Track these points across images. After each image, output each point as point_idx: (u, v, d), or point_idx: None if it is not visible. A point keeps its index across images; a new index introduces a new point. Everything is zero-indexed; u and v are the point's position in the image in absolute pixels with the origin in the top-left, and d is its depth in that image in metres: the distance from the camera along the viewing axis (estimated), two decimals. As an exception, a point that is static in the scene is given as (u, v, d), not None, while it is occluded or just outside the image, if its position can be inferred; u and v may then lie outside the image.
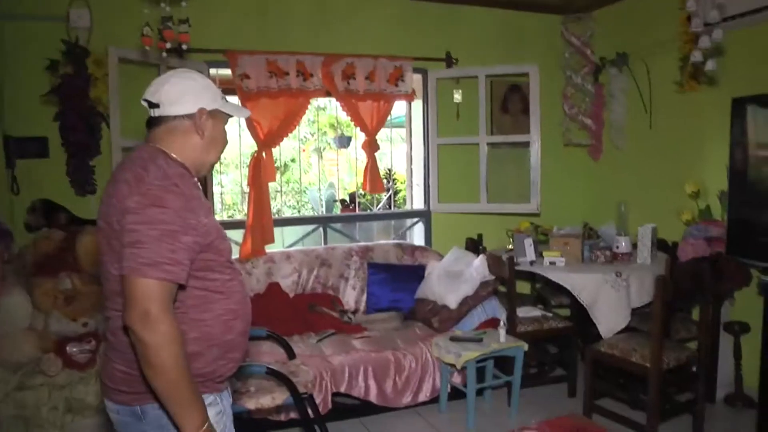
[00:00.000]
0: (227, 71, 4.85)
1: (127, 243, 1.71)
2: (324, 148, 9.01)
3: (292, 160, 9.23)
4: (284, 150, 8.77)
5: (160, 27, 3.60)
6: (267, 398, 3.39)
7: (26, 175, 4.46)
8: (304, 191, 8.49)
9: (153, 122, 1.96)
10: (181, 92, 1.92)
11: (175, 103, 1.92)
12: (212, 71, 4.88)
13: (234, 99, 4.64)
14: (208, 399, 1.90)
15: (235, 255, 4.97)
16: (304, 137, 9.17)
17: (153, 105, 1.93)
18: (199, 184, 1.98)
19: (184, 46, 3.68)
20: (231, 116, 2.09)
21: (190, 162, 1.96)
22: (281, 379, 3.40)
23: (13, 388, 3.68)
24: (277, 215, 5.54)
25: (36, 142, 4.49)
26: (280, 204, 6.59)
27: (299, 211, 8.12)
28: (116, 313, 1.85)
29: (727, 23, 4.12)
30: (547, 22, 5.84)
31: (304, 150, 9.05)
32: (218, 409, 1.94)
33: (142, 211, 1.72)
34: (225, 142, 2.09)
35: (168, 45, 3.64)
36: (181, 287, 1.80)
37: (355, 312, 4.83)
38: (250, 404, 3.35)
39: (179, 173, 1.85)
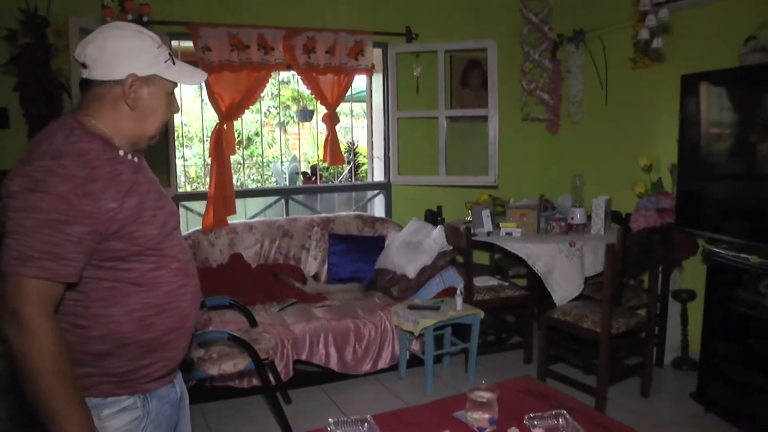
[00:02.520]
0: (189, 44, 4.85)
1: (4, 233, 1.49)
2: (287, 122, 9.02)
3: (256, 134, 9.23)
4: (248, 124, 8.77)
5: (122, -1, 3.61)
6: (229, 364, 3.48)
7: (-14, 146, 4.43)
8: (268, 165, 8.51)
9: (82, 84, 1.69)
10: (108, 54, 1.62)
11: (100, 67, 1.62)
12: (174, 43, 4.86)
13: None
14: (124, 402, 1.68)
15: (197, 227, 5.01)
16: (268, 110, 9.17)
17: (82, 65, 1.65)
18: (132, 157, 1.72)
19: (145, 18, 3.69)
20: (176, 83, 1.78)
21: (121, 134, 1.68)
22: (242, 345, 3.48)
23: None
24: (239, 187, 5.56)
25: (-4, 114, 4.45)
26: (244, 177, 6.61)
27: (264, 185, 8.15)
28: None
29: (676, 3, 4.26)
30: (506, -2, 5.91)
31: (267, 124, 9.05)
32: (135, 414, 1.70)
33: (20, 197, 1.48)
34: (168, 112, 1.77)
35: (129, 17, 3.65)
36: (72, 284, 1.56)
37: (315, 275, 4.95)
38: (213, 370, 3.43)
39: (77, 151, 1.55)
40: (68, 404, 1.51)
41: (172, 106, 1.79)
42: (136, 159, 1.74)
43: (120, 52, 1.63)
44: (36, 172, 1.49)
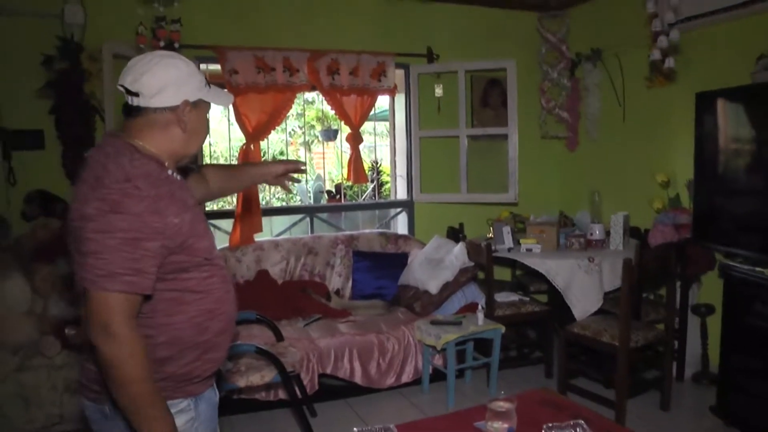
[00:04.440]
0: (217, 66, 5.01)
1: (85, 252, 1.61)
2: (312, 142, 9.14)
3: (281, 153, 9.37)
4: (273, 144, 8.90)
5: (154, 26, 3.76)
6: (256, 376, 3.59)
7: (23, 167, 4.59)
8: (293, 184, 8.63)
9: (131, 111, 1.79)
10: (164, 83, 1.75)
11: (156, 95, 1.75)
12: (202, 66, 5.01)
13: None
14: (180, 405, 1.82)
15: (224, 244, 5.15)
16: (293, 130, 9.31)
17: (131, 93, 1.76)
18: (177, 175, 1.86)
19: (176, 45, 3.85)
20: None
21: (168, 154, 1.82)
22: (269, 357, 3.60)
23: (14, 369, 3.82)
24: (265, 205, 5.69)
25: (32, 135, 4.61)
26: (269, 196, 6.74)
27: (288, 203, 8.26)
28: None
29: (687, 23, 4.35)
30: (524, 19, 6.03)
31: (292, 143, 9.19)
32: (190, 416, 1.84)
33: (100, 219, 1.60)
34: (207, 132, 1.96)
35: (162, 43, 3.81)
36: (146, 297, 1.70)
37: (337, 291, 5.08)
38: (241, 382, 3.54)
39: (144, 173, 1.68)
40: (159, 405, 1.67)
41: (207, 127, 1.97)
42: (179, 177, 1.87)
43: (174, 81, 1.77)
44: (112, 194, 1.61)
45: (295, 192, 2.10)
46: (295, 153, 9.46)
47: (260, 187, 5.36)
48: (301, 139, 9.44)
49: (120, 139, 1.77)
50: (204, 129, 1.92)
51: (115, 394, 1.64)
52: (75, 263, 1.72)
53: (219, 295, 1.88)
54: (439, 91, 5.80)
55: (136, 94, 1.75)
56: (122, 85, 1.76)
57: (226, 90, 2.04)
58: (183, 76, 1.79)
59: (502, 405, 2.45)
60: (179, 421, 1.78)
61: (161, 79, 1.74)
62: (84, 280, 1.61)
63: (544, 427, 2.41)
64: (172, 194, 1.73)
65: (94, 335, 1.60)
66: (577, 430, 2.40)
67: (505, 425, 2.42)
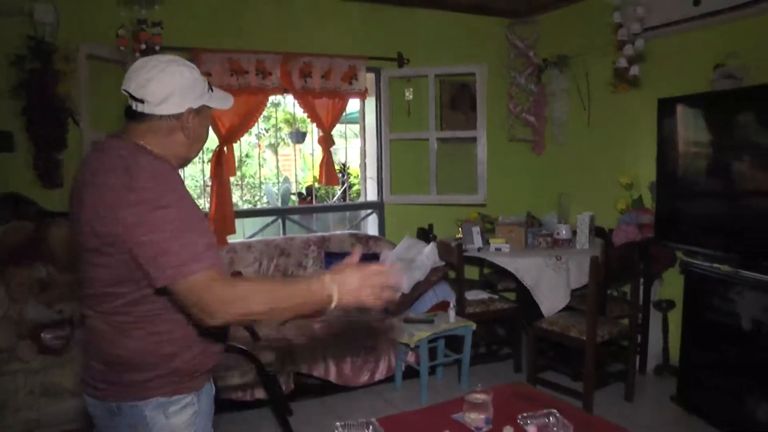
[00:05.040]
0: (190, 69, 5.02)
1: (147, 258, 1.61)
2: (279, 144, 9.16)
3: (247, 156, 9.38)
4: (241, 146, 8.90)
5: (135, 29, 3.78)
6: (235, 376, 3.65)
7: (-8, 169, 4.52)
8: (261, 185, 8.65)
9: (135, 115, 1.78)
10: (169, 91, 1.75)
11: (162, 103, 1.75)
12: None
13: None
14: (186, 399, 1.83)
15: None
16: (260, 133, 9.33)
17: (136, 99, 1.76)
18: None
19: (157, 47, 3.88)
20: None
21: (171, 157, 1.82)
22: (248, 357, 3.66)
23: (-10, 373, 3.83)
24: (235, 207, 5.73)
25: (1, 137, 4.49)
26: (237, 198, 6.77)
27: (255, 205, 8.29)
28: (93, 312, 1.79)
29: (650, 32, 4.52)
30: (493, 25, 6.18)
31: (260, 146, 9.22)
32: (194, 410, 1.86)
33: (146, 220, 1.60)
34: (207, 136, 1.96)
35: (143, 46, 3.84)
36: (161, 291, 1.67)
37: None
38: (220, 381, 3.60)
39: (167, 169, 1.70)
40: (307, 284, 1.70)
41: (208, 131, 1.98)
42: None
43: (179, 88, 1.77)
44: (147, 193, 1.62)
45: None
46: (262, 155, 9.48)
47: (233, 188, 5.40)
48: (267, 142, 9.48)
49: (129, 142, 1.77)
50: (206, 133, 1.94)
51: (278, 322, 1.66)
52: (88, 264, 1.75)
53: None
54: (409, 94, 5.91)
55: (141, 101, 1.75)
56: (126, 91, 1.77)
57: (227, 93, 2.03)
58: (187, 84, 1.79)
59: (479, 397, 2.56)
60: (185, 414, 1.83)
61: (166, 87, 1.75)
62: (159, 279, 1.61)
63: (519, 416, 2.53)
64: (186, 192, 1.75)
65: (205, 322, 1.60)
66: (551, 419, 2.52)
67: (482, 416, 2.53)
